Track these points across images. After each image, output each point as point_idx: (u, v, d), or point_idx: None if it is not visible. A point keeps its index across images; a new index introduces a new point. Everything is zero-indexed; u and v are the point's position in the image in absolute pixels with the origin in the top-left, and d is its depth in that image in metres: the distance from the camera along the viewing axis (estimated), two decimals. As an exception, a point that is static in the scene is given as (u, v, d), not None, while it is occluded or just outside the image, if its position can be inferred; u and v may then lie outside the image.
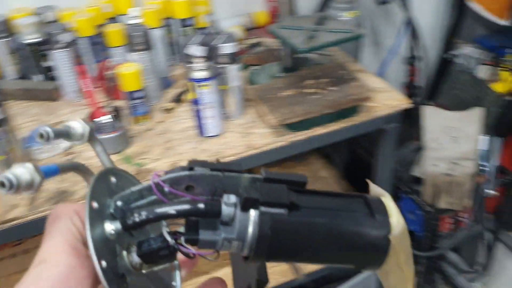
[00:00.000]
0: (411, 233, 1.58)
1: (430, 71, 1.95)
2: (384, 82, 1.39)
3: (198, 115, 1.13)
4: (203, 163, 0.34)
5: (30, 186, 0.37)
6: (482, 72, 1.89)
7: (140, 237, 0.35)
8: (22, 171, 0.37)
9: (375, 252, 0.35)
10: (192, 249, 0.33)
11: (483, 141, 1.46)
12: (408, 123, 1.79)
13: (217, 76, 1.10)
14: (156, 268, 0.35)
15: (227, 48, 1.14)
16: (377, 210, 0.35)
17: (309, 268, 1.46)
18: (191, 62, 1.10)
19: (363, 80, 1.34)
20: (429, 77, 1.96)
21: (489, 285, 1.87)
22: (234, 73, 1.16)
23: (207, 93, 1.09)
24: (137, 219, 0.32)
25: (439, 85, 1.88)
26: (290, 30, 1.18)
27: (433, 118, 1.52)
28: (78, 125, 0.41)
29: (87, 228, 0.30)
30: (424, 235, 1.52)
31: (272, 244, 0.32)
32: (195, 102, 1.12)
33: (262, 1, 1.64)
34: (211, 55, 1.13)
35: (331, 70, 1.32)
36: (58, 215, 0.33)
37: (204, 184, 0.34)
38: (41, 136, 0.39)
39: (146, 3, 1.34)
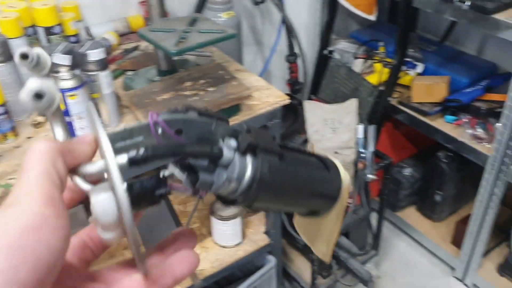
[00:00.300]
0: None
1: (310, 67, 2.04)
2: (264, 80, 1.42)
3: (69, 127, 1.07)
4: (195, 109, 0.35)
5: (52, 101, 0.34)
6: (357, 65, 2.01)
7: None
8: (47, 83, 0.32)
9: (330, 198, 0.42)
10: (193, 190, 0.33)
11: (360, 130, 1.55)
12: (294, 118, 1.85)
13: (85, 84, 1.05)
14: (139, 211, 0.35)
15: (95, 55, 1.09)
16: (330, 166, 0.42)
17: (205, 272, 1.45)
18: (57, 72, 1.04)
19: (242, 79, 1.36)
20: (309, 73, 2.04)
21: (380, 264, 2.00)
22: (105, 80, 1.11)
23: (75, 103, 1.03)
24: (148, 154, 0.31)
25: (320, 80, 1.97)
26: (162, 33, 1.16)
27: (314, 112, 1.58)
28: (44, 53, 0.36)
29: (111, 157, 0.28)
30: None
31: (266, 187, 0.35)
32: (65, 113, 1.05)
33: (136, 4, 1.59)
34: (78, 63, 1.08)
35: (210, 71, 1.32)
36: (39, 154, 0.29)
37: (194, 129, 0.34)
38: (26, 57, 0.32)
39: (3, 11, 1.24)
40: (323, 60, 1.95)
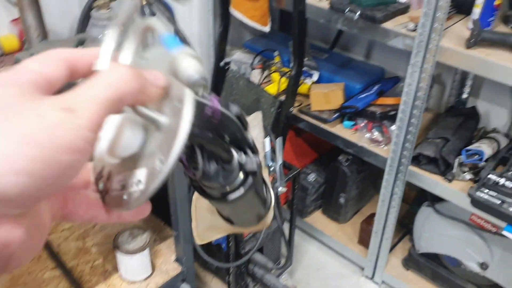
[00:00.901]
0: (218, 247, 1.57)
1: (207, 80, 1.97)
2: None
3: None
4: (237, 110, 0.36)
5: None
6: (255, 76, 1.99)
7: None
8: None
9: (250, 226, 0.51)
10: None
11: (267, 143, 1.51)
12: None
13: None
14: None
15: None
16: (268, 206, 0.49)
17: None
18: None
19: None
20: (207, 86, 1.97)
21: (294, 272, 2.00)
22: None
23: None
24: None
25: (219, 93, 1.91)
26: (44, 57, 1.02)
27: (218, 128, 1.52)
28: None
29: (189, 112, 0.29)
30: (229, 245, 1.52)
31: (237, 201, 0.39)
32: None
33: (7, 23, 1.40)
34: None
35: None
36: (119, 78, 0.27)
37: (226, 127, 0.36)
38: None
39: None
40: (220, 72, 1.90)
